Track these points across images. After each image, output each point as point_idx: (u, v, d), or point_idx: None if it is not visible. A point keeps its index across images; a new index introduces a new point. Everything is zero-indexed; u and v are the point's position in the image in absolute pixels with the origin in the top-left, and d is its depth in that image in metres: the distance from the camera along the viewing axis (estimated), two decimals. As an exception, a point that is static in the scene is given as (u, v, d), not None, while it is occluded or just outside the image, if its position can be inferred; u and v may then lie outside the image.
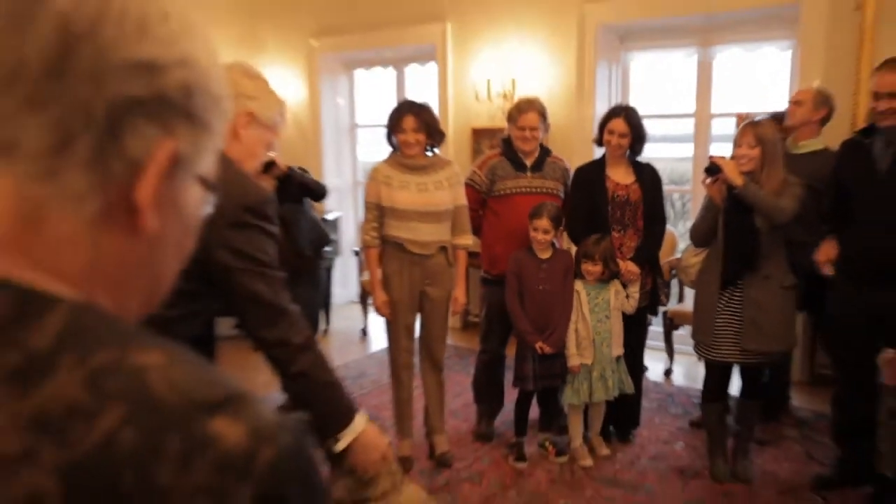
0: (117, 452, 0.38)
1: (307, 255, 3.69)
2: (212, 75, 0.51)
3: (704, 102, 4.78)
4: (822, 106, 3.36)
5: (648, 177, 3.38)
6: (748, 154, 2.88)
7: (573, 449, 3.37)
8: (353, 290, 6.22)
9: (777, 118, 3.42)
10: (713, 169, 2.91)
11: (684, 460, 3.38)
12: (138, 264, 0.51)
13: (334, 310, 5.80)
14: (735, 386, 3.24)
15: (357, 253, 5.79)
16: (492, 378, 3.65)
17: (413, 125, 3.09)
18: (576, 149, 4.55)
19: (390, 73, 6.15)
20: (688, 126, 4.93)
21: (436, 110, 3.25)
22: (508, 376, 3.49)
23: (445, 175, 3.20)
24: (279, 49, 6.35)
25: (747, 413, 3.18)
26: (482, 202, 3.51)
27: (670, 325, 4.38)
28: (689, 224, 3.40)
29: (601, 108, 4.38)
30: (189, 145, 0.50)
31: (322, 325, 5.27)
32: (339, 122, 6.47)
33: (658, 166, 3.50)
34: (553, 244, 3.30)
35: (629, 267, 3.29)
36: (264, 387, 2.81)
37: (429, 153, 3.24)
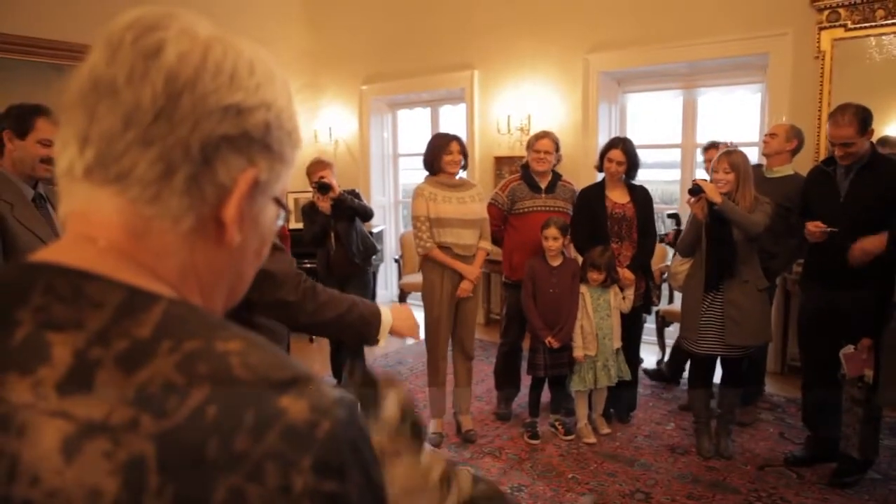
0: (204, 423, 0.38)
1: (357, 262, 3.71)
2: (286, 114, 0.51)
3: (689, 135, 4.74)
4: (793, 138, 3.30)
5: (641, 197, 3.35)
6: (724, 178, 2.87)
7: (579, 428, 3.33)
8: (394, 291, 6.22)
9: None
10: (696, 190, 2.89)
11: (675, 439, 3.31)
12: (223, 269, 0.51)
13: (378, 308, 5.80)
14: (717, 375, 3.18)
15: (397, 260, 5.81)
16: (510, 367, 3.62)
17: (458, 148, 3.20)
18: (581, 174, 4.52)
19: (427, 111, 6.18)
20: (675, 154, 4.92)
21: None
22: (524, 366, 3.45)
23: (475, 192, 3.27)
24: (336, 93, 6.44)
25: (728, 398, 3.11)
26: (504, 218, 3.50)
27: (662, 322, 4.30)
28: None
29: (602, 140, 4.39)
30: (267, 172, 0.50)
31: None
32: (384, 152, 6.51)
33: (650, 188, 3.47)
34: (563, 253, 3.28)
35: (626, 273, 3.25)
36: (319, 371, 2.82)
37: (459, 174, 3.28)
